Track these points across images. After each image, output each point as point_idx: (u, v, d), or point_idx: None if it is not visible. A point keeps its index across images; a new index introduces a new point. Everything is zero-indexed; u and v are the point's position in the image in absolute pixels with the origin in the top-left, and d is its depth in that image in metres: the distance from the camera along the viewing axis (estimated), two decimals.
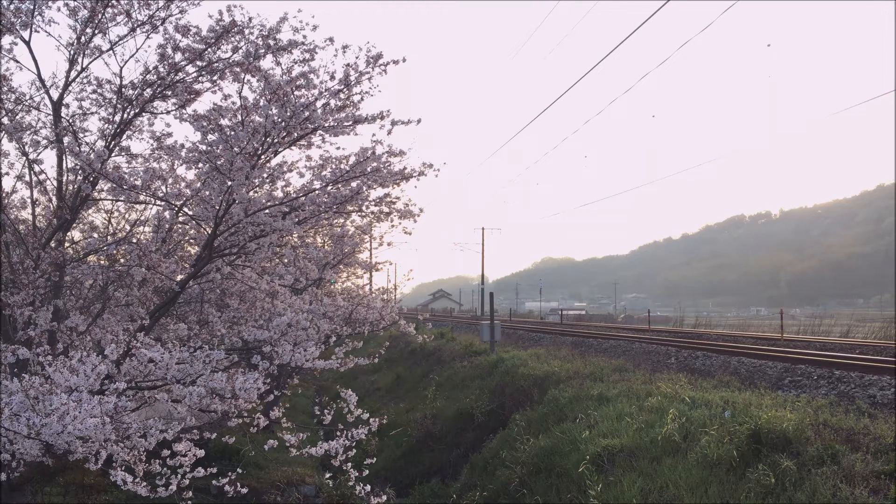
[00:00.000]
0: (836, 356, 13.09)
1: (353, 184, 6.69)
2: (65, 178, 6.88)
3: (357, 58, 6.23)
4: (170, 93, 6.47)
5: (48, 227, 7.11)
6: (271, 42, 6.15)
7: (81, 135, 6.91)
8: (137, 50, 6.49)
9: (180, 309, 8.51)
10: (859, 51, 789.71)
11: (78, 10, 6.27)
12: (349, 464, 7.49)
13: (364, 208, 7.32)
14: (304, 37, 6.20)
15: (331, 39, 6.19)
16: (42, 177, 7.30)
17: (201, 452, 6.83)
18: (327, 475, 9.58)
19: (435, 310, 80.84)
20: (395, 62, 6.35)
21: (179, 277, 6.91)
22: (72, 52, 6.50)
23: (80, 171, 6.81)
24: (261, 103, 6.18)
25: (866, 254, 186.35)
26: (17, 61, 6.47)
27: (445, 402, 16.39)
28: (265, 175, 6.93)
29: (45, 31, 6.35)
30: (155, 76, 6.40)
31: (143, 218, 8.25)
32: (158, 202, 6.93)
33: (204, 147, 6.30)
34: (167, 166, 7.26)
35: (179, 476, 6.61)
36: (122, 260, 7.13)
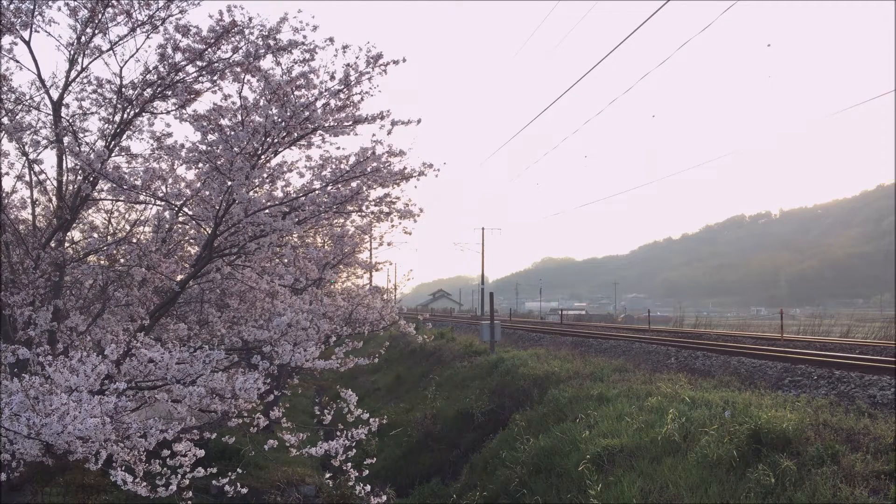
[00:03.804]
0: (836, 356, 13.10)
1: (353, 184, 6.69)
2: (65, 178, 6.87)
3: (357, 58, 6.23)
4: (170, 93, 6.46)
5: (48, 227, 7.11)
6: (271, 42, 6.14)
7: (81, 135, 6.90)
8: (137, 50, 6.49)
9: (180, 309, 8.50)
10: (859, 51, 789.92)
11: (78, 9, 6.26)
12: (349, 464, 7.49)
13: (364, 208, 7.31)
14: (305, 37, 6.20)
15: (331, 39, 6.19)
16: (42, 177, 7.30)
17: (201, 452, 6.83)
18: (327, 475, 9.57)
19: (435, 310, 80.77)
20: (395, 62, 6.35)
21: (179, 277, 6.91)
22: (72, 52, 6.50)
23: (80, 171, 6.80)
24: (261, 103, 6.18)
25: (866, 254, 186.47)
26: (17, 61, 6.47)
27: (445, 402, 16.38)
28: (265, 175, 6.92)
29: (45, 31, 6.34)
30: (155, 76, 6.39)
31: (143, 218, 8.24)
32: (158, 202, 6.93)
33: (204, 147, 6.30)
34: (167, 166, 7.25)
35: (179, 476, 6.61)
36: (122, 260, 7.12)
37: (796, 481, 6.08)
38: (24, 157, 7.03)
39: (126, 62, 6.50)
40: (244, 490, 7.23)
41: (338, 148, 7.14)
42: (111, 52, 6.47)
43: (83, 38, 6.37)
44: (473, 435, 13.57)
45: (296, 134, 6.44)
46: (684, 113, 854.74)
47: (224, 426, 8.33)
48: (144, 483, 5.79)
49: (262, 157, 6.53)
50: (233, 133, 6.10)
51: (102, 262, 7.12)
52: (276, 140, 6.36)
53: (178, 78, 6.36)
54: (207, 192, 6.58)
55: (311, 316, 6.92)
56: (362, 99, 6.51)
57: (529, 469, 9.43)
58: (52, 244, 6.64)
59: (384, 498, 7.94)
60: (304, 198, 6.67)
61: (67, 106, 6.82)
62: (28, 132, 6.83)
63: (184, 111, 6.59)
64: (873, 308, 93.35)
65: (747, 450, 6.89)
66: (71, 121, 6.86)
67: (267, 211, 6.41)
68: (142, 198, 6.68)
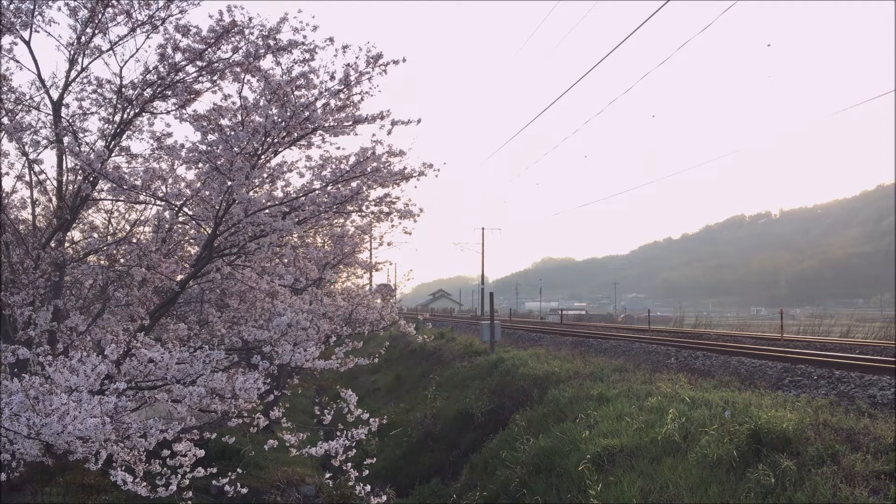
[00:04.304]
0: (836, 356, 13.09)
1: (353, 184, 6.69)
2: (65, 178, 6.88)
3: (357, 58, 6.24)
4: (170, 93, 6.46)
5: (48, 227, 7.11)
6: (271, 42, 6.15)
7: (81, 135, 6.90)
8: (137, 50, 6.49)
9: (180, 309, 8.50)
10: (859, 51, 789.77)
11: (78, 9, 6.26)
12: (349, 464, 7.50)
13: (364, 208, 7.31)
14: (305, 37, 6.20)
15: (331, 39, 6.19)
16: (42, 177, 7.30)
17: (201, 452, 6.83)
18: (327, 475, 9.57)
19: (435, 310, 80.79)
20: (395, 62, 6.35)
21: (179, 277, 6.91)
22: (72, 52, 6.50)
23: (80, 171, 6.81)
24: (261, 103, 6.18)
25: (866, 254, 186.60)
26: (17, 61, 6.47)
27: (445, 402, 16.39)
28: (265, 175, 6.92)
29: (45, 31, 6.35)
30: (155, 76, 6.39)
31: (143, 218, 8.24)
32: (158, 202, 6.93)
33: (204, 147, 6.30)
34: (167, 166, 7.25)
35: (179, 476, 6.61)
36: (122, 260, 7.12)
37: (796, 481, 6.08)
38: (24, 157, 7.03)
39: (126, 62, 6.51)
40: (244, 490, 7.23)
41: (338, 148, 7.15)
42: (111, 52, 6.48)
43: (83, 38, 6.37)
44: (473, 435, 13.57)
45: (296, 134, 6.44)
46: (684, 113, 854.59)
47: (224, 426, 8.34)
48: (144, 483, 5.79)
49: (262, 157, 6.53)
50: (233, 133, 6.10)
51: (102, 262, 7.12)
52: (276, 140, 6.36)
53: (178, 78, 6.36)
54: (207, 192, 6.58)
55: (311, 316, 6.92)
56: (362, 99, 6.51)
57: (529, 469, 9.43)
58: (52, 244, 6.64)
59: (384, 498, 7.94)
60: (304, 198, 6.67)
61: (67, 106, 6.82)
62: (28, 132, 6.83)
63: (184, 111, 6.59)
64: (873, 308, 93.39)
65: (747, 450, 6.88)
66: (71, 121, 6.86)
67: (267, 211, 6.41)
68: (142, 198, 6.68)
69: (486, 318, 26.24)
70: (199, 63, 6.31)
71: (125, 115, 6.64)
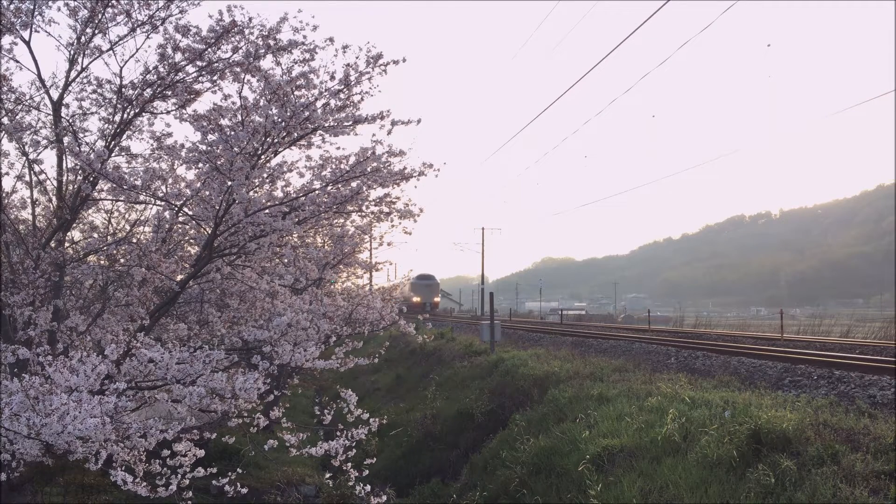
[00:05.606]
0: (835, 356, 13.10)
1: (353, 184, 6.69)
2: (65, 178, 6.88)
3: (357, 58, 6.24)
4: (170, 93, 6.47)
5: (48, 227, 7.11)
6: (271, 42, 6.15)
7: (81, 135, 6.90)
8: (137, 50, 6.49)
9: (180, 309, 8.51)
10: (859, 51, 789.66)
11: (78, 9, 6.26)
12: (349, 464, 7.50)
13: (364, 208, 7.32)
14: (305, 37, 6.21)
15: (331, 39, 6.19)
16: (42, 177, 7.31)
17: (201, 452, 6.83)
18: (327, 475, 9.56)
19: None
20: (395, 62, 6.36)
21: (179, 277, 6.91)
22: (72, 52, 6.50)
23: (80, 171, 6.81)
24: (261, 103, 6.18)
25: (866, 254, 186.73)
26: (17, 61, 6.48)
27: (445, 402, 16.38)
28: (265, 175, 6.93)
29: (45, 31, 6.35)
30: (155, 76, 6.40)
31: (143, 218, 8.25)
32: (158, 202, 6.93)
33: (204, 147, 6.31)
34: (167, 166, 7.26)
35: (179, 476, 6.61)
36: (122, 260, 7.13)
37: (796, 481, 6.08)
38: (24, 157, 7.04)
39: (126, 62, 6.51)
40: (244, 490, 7.23)
41: (338, 148, 7.15)
42: (111, 52, 6.48)
43: (83, 38, 6.38)
44: (473, 435, 13.57)
45: (296, 134, 6.45)
46: (684, 113, 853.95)
47: (224, 426, 8.34)
48: (144, 483, 5.79)
49: (262, 157, 6.53)
50: (233, 133, 6.10)
51: (102, 262, 7.12)
52: (276, 140, 6.37)
53: (178, 78, 6.36)
54: (207, 192, 6.58)
55: (311, 316, 6.92)
56: (362, 99, 6.52)
57: (529, 469, 9.43)
58: (52, 244, 6.64)
59: (384, 498, 7.94)
60: (304, 198, 6.67)
61: (67, 106, 6.83)
62: (28, 132, 6.84)
63: (184, 111, 6.59)
64: (873, 308, 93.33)
65: (747, 450, 6.88)
66: (71, 121, 6.86)
67: (267, 211, 6.41)
68: (142, 198, 6.68)
69: (486, 318, 26.23)
70: (199, 63, 6.32)
71: (125, 115, 6.64)
